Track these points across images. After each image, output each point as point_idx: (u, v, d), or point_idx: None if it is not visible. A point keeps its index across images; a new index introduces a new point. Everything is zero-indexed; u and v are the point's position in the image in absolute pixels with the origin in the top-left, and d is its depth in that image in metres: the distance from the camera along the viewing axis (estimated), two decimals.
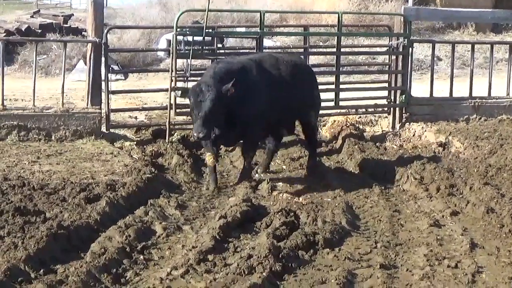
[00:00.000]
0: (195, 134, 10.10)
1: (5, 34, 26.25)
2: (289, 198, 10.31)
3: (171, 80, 13.16)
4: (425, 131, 15.11)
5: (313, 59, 16.76)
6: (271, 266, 7.29)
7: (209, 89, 10.05)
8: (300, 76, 11.71)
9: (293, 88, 11.39)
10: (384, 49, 17.26)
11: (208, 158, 10.83)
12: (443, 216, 9.63)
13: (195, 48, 13.44)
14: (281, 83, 11.21)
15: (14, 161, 11.51)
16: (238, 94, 10.22)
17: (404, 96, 15.57)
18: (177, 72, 13.31)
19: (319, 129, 15.42)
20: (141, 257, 7.77)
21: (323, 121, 15.77)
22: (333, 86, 15.21)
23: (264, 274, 7.09)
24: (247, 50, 17.10)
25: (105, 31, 13.77)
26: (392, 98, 15.80)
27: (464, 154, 13.56)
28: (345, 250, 8.06)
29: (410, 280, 7.26)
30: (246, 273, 7.14)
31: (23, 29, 26.92)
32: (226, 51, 16.85)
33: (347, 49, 19.37)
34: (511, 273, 7.48)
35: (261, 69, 11.07)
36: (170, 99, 13.22)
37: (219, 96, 10.08)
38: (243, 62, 11.10)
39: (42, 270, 7.12)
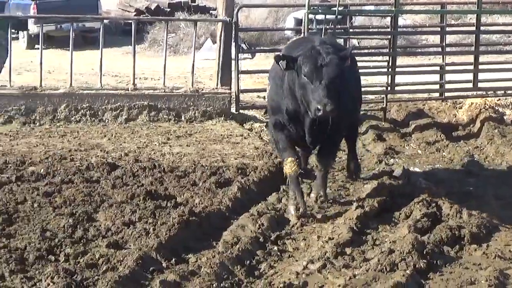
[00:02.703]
0: (318, 107, 7.56)
1: (135, 13, 26.51)
2: (428, 186, 9.67)
3: None
4: None
5: (449, 38, 16.00)
6: (415, 263, 6.80)
7: (329, 51, 7.87)
8: None
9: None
10: None
11: (290, 164, 8.48)
12: None
13: (327, 27, 12.98)
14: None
15: (144, 142, 11.41)
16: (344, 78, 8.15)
17: None
18: None
19: (456, 111, 14.70)
20: (275, 248, 7.43)
21: (459, 104, 15.00)
22: (471, 67, 14.45)
23: (407, 272, 6.61)
24: (376, 29, 16.51)
25: (236, 10, 13.46)
26: None
27: None
28: (494, 247, 7.45)
29: None
30: (388, 270, 6.68)
31: (152, 8, 27.11)
32: (357, 30, 16.24)
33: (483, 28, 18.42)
34: None
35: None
36: None
37: (342, 61, 7.97)
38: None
39: (173, 259, 6.89)
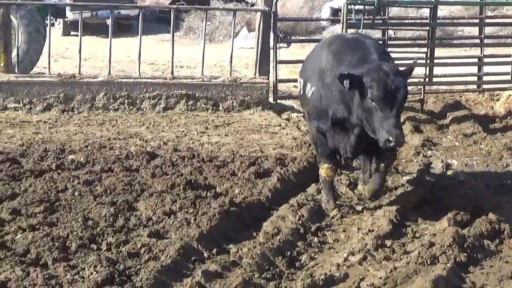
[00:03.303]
0: (390, 138, 7.03)
1: (170, 0, 26.57)
2: (467, 179, 9.63)
3: None
4: None
5: (486, 30, 15.87)
6: (456, 257, 6.81)
7: (396, 71, 7.29)
8: None
9: None
10: None
11: (326, 170, 8.29)
12: None
13: (366, 17, 12.96)
14: None
15: (183, 131, 11.47)
16: None
17: None
18: None
19: (493, 103, 14.57)
20: (316, 239, 7.46)
21: (497, 95, 14.90)
22: (509, 59, 14.36)
23: (448, 265, 6.62)
24: (412, 21, 16.40)
25: (275, 0, 13.47)
26: None
27: None
28: None
29: None
30: (428, 263, 6.69)
31: None
32: (395, 21, 16.12)
33: None
34: None
35: None
36: None
37: (407, 80, 7.49)
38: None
39: (215, 250, 6.93)
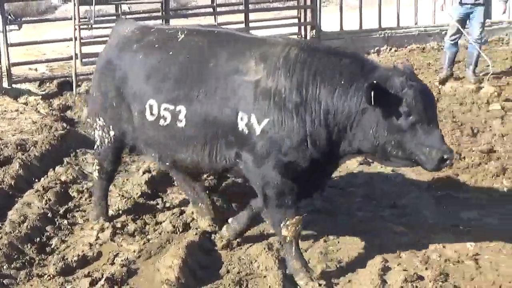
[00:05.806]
0: (445, 156, 5.56)
1: None
2: None
3: (75, 29, 12.46)
4: None
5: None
6: None
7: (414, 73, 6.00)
8: None
9: None
10: None
11: (298, 223, 6.06)
12: None
13: None
14: None
15: None
16: None
17: (315, 31, 15.26)
18: (81, 20, 12.58)
19: None
20: (65, 221, 7.27)
21: None
22: (242, 25, 14.78)
23: (199, 230, 6.75)
24: None
25: None
26: (303, 34, 15.46)
27: None
28: None
29: None
30: (180, 230, 6.79)
31: None
32: None
33: None
34: None
35: None
36: (75, 49, 12.50)
37: None
38: None
39: None
